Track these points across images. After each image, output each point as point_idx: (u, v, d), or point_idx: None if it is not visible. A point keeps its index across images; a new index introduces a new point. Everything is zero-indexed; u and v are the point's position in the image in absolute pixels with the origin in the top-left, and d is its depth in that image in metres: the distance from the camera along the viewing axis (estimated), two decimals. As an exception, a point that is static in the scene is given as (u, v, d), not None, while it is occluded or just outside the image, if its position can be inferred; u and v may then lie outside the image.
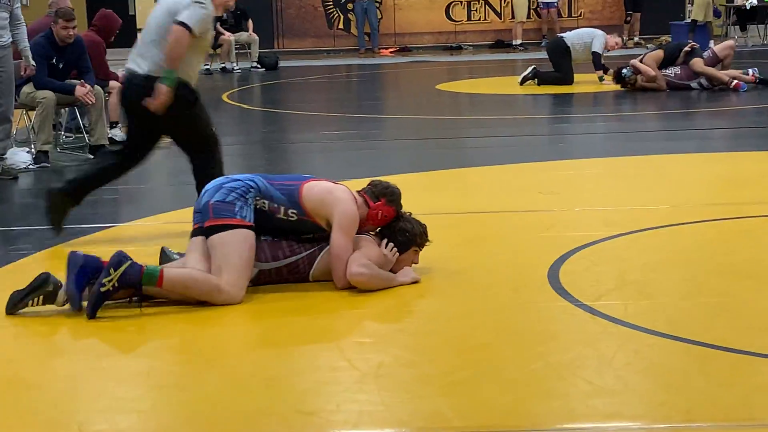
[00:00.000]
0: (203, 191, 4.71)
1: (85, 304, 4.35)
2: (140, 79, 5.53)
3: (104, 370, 3.84)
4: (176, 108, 5.50)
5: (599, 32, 13.43)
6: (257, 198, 4.64)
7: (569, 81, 13.19)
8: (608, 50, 13.25)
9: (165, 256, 4.94)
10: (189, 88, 5.58)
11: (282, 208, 4.67)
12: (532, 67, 13.52)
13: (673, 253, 5.22)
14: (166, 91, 5.40)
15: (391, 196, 4.82)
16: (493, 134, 9.68)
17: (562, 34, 14.04)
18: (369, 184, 4.91)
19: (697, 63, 12.10)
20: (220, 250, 4.47)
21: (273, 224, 4.69)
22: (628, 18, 20.01)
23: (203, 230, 4.57)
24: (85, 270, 4.36)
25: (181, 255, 4.87)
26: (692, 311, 4.28)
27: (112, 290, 4.30)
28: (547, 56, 13.95)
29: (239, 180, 4.68)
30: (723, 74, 12.10)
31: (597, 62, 13.04)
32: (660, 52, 12.51)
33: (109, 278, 4.28)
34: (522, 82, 13.33)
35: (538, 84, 13.25)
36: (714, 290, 4.58)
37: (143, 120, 5.60)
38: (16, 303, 4.43)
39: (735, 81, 11.98)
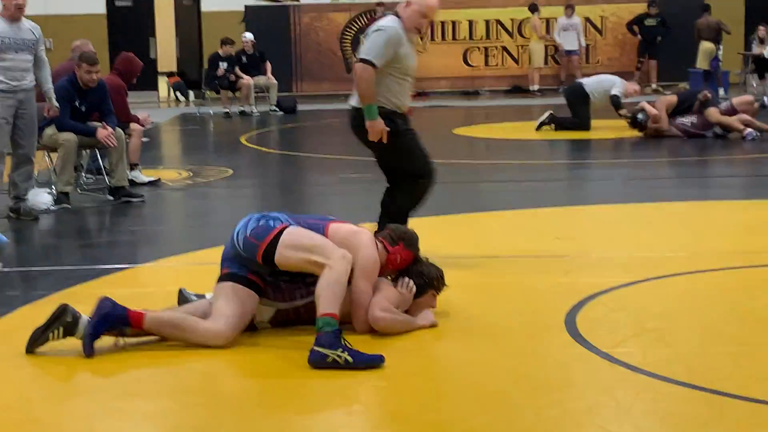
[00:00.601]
0: (234, 235, 4.66)
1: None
2: (351, 111, 5.92)
3: (120, 411, 3.83)
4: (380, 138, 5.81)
5: (619, 79, 13.49)
6: None
7: (586, 127, 13.21)
8: (627, 97, 13.28)
9: (183, 297, 4.94)
10: (390, 119, 5.76)
11: None
12: (549, 112, 13.55)
13: (691, 300, 5.19)
14: (370, 124, 5.72)
15: (409, 240, 4.85)
16: (510, 179, 9.68)
17: (581, 80, 14.07)
18: (386, 229, 4.93)
19: (713, 113, 12.11)
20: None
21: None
22: (640, 64, 20.08)
23: (235, 277, 4.57)
24: (109, 318, 4.36)
25: (199, 296, 4.87)
26: (711, 359, 4.25)
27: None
28: (563, 101, 13.99)
29: (268, 214, 4.71)
30: (737, 121, 12.08)
31: (617, 104, 13.06)
32: (673, 98, 12.55)
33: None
34: (539, 128, 13.36)
35: (555, 129, 13.28)
36: (733, 338, 4.54)
37: (368, 146, 5.93)
38: (37, 338, 4.44)
39: (746, 129, 11.97)
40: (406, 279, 4.77)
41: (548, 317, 4.86)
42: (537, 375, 4.11)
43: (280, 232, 4.55)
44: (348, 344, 4.24)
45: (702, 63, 18.43)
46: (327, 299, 4.33)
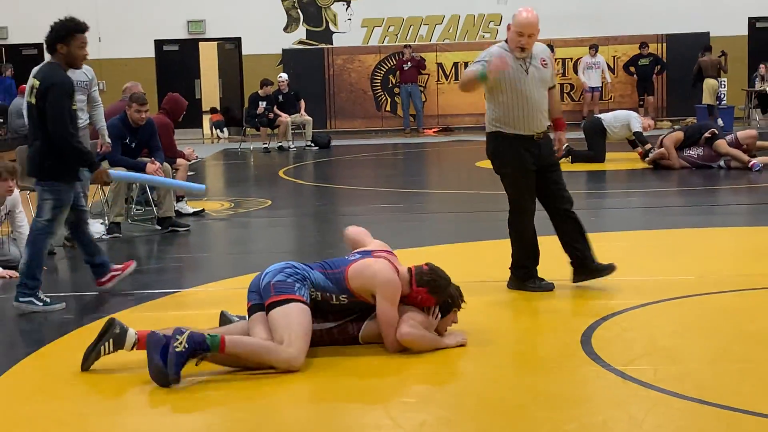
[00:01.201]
0: (264, 273, 4.66)
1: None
2: (487, 137, 6.04)
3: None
4: (494, 166, 5.93)
5: (635, 114, 13.46)
6: (311, 289, 4.62)
7: (601, 159, 13.18)
8: (644, 131, 13.23)
9: (225, 319, 4.96)
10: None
11: (333, 296, 4.66)
12: (567, 145, 13.52)
13: (700, 320, 5.15)
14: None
15: (435, 288, 4.69)
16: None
17: (599, 115, 14.03)
18: (425, 265, 4.78)
19: (722, 145, 12.05)
20: (284, 320, 4.44)
21: (327, 309, 4.69)
22: (641, 102, 20.06)
23: (263, 307, 4.55)
24: (167, 347, 4.32)
25: (241, 317, 4.88)
26: (720, 376, 4.21)
27: (184, 351, 4.25)
28: (581, 135, 13.95)
29: (297, 267, 4.66)
30: (743, 153, 12.03)
31: (641, 139, 13.02)
32: (680, 134, 12.48)
33: (179, 341, 4.27)
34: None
35: (572, 161, 13.24)
36: (740, 356, 4.50)
37: (498, 173, 5.99)
38: (89, 354, 4.48)
39: (752, 161, 11.90)
40: (435, 309, 4.73)
41: (565, 336, 4.84)
42: (555, 391, 4.09)
43: (290, 301, 4.47)
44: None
45: (707, 99, 18.39)
46: (236, 341, 4.35)
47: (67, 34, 5.76)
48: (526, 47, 5.66)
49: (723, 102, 17.95)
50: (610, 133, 13.22)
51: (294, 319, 4.44)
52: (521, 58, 5.70)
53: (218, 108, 22.01)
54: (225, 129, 21.07)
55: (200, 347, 4.29)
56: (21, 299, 5.77)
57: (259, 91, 17.70)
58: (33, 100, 5.73)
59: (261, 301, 4.56)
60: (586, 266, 5.89)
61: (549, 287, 5.85)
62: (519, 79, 5.71)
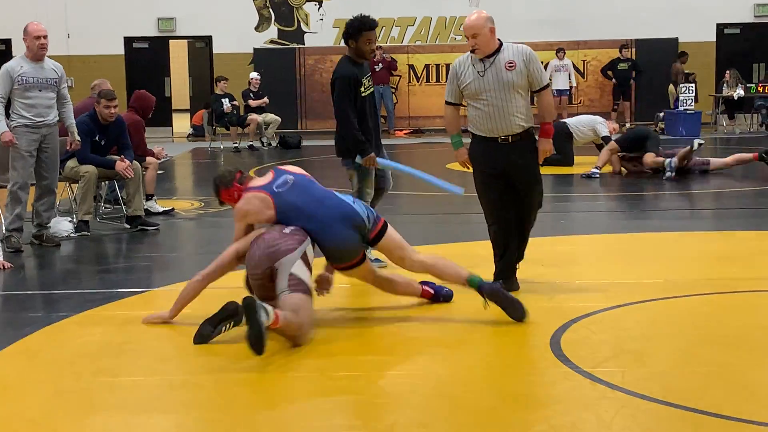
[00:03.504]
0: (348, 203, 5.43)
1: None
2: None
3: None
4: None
5: (600, 119, 13.58)
6: None
7: (570, 162, 13.28)
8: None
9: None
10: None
11: None
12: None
13: (667, 324, 5.21)
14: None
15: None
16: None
17: (564, 120, 14.15)
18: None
19: (648, 158, 12.14)
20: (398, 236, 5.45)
21: None
22: (616, 106, 20.23)
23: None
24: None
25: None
26: (686, 379, 4.26)
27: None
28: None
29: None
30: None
31: (608, 141, 13.11)
32: (614, 145, 12.61)
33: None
34: None
35: (541, 165, 13.28)
36: (707, 360, 4.56)
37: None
38: (209, 333, 4.83)
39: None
40: None
41: (534, 338, 4.88)
42: (525, 392, 4.13)
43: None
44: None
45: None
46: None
47: (356, 31, 6.44)
48: (475, 48, 5.74)
49: (688, 107, 18.10)
50: (576, 138, 13.34)
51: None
52: (482, 60, 5.75)
53: (188, 107, 21.87)
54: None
55: None
56: None
57: (218, 90, 17.65)
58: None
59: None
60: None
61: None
62: (476, 83, 5.75)
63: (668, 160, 11.91)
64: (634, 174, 12.25)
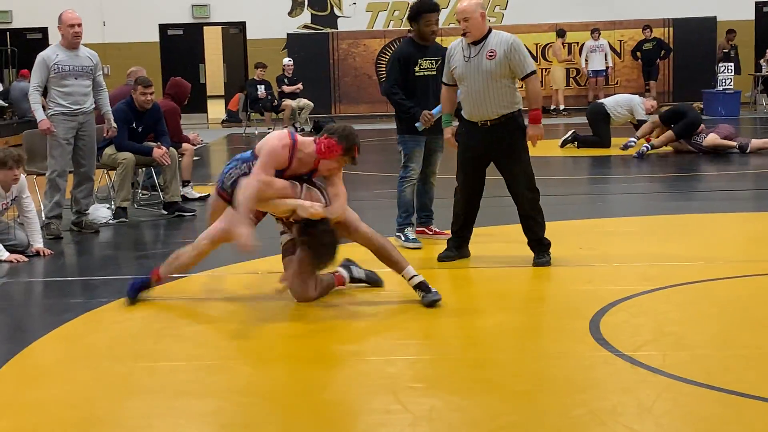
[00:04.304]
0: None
1: None
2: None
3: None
4: None
5: (637, 98, 13.42)
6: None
7: (607, 144, 13.16)
8: (647, 113, 13.21)
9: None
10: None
11: None
12: (572, 131, 13.51)
13: (707, 306, 5.15)
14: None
15: (341, 135, 5.15)
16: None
17: (601, 100, 14.01)
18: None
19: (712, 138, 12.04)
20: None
21: None
22: (647, 86, 20.01)
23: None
24: None
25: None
26: (727, 362, 4.21)
27: None
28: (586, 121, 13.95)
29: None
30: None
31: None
32: (656, 120, 12.52)
33: None
34: (563, 145, 13.32)
35: (578, 147, 13.22)
36: (748, 342, 4.50)
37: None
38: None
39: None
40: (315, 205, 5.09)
41: (573, 322, 4.84)
42: (563, 377, 4.10)
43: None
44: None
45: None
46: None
47: (415, 13, 6.62)
48: (466, 32, 5.97)
49: (727, 87, 17.84)
50: (614, 118, 13.21)
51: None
52: (471, 45, 5.99)
53: (223, 93, 21.92)
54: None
55: None
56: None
57: (255, 76, 17.71)
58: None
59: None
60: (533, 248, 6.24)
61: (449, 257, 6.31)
62: (462, 68, 6.06)
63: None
64: (679, 153, 12.11)
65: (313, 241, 5.01)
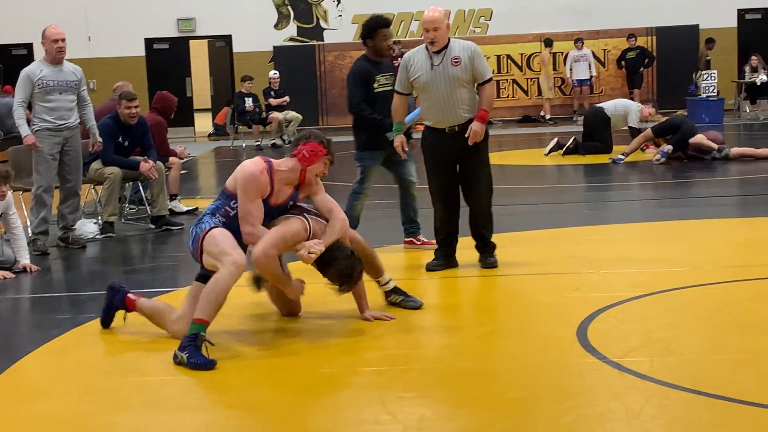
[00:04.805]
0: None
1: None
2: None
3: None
4: None
5: (635, 105, 13.38)
6: (217, 216, 5.00)
7: (609, 150, 13.13)
8: (643, 120, 13.21)
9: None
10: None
11: (227, 208, 4.99)
12: (573, 138, 13.50)
13: (695, 312, 5.18)
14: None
15: (316, 136, 5.13)
16: (522, 202, 9.68)
17: (600, 104, 13.95)
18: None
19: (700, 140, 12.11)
20: (213, 248, 4.91)
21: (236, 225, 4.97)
22: (631, 95, 20.09)
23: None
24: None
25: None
26: (715, 367, 4.23)
27: None
28: (575, 128, 13.94)
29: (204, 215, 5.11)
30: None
31: (634, 134, 12.98)
32: (649, 132, 12.54)
33: None
34: (565, 153, 13.28)
35: (581, 154, 13.21)
36: (735, 347, 4.52)
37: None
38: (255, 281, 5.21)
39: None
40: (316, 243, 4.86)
41: (561, 329, 4.86)
42: (552, 383, 4.11)
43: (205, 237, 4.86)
44: (197, 346, 4.48)
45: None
46: (200, 305, 4.64)
47: (371, 30, 6.70)
48: (434, 41, 6.13)
49: (710, 94, 17.92)
50: (613, 121, 13.22)
51: (218, 239, 4.78)
52: (434, 53, 6.15)
53: (210, 107, 21.90)
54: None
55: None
56: None
57: (242, 89, 17.72)
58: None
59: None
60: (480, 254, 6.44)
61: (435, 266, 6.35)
62: (426, 75, 6.17)
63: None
64: (675, 161, 12.14)
65: (332, 273, 4.92)
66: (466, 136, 6.12)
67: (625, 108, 13.23)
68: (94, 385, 4.35)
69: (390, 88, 6.76)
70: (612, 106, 13.41)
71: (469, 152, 6.21)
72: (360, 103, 6.74)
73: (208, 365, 4.41)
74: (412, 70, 6.22)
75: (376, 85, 6.79)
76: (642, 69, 20.08)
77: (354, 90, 6.77)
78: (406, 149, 6.55)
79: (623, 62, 20.21)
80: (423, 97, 6.25)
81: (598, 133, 13.29)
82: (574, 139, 13.39)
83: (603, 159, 12.75)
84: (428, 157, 6.36)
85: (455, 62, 6.13)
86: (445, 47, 6.17)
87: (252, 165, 4.91)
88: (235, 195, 4.90)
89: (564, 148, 13.30)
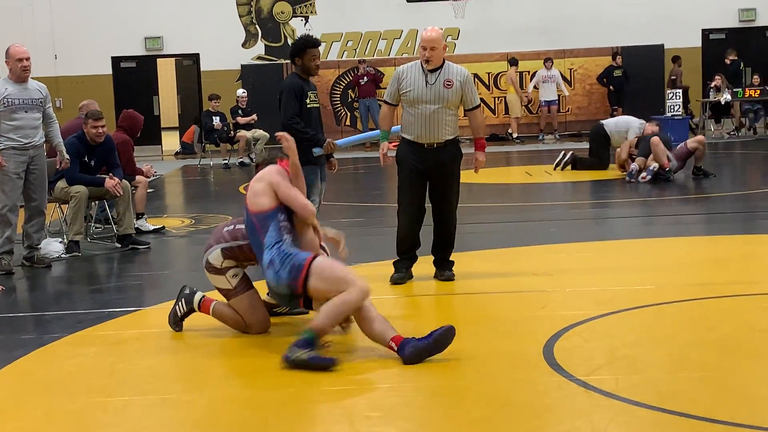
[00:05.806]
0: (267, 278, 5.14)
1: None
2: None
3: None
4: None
5: (636, 123, 13.37)
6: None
7: (605, 166, 13.24)
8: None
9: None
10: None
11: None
12: (571, 152, 13.66)
13: (659, 330, 5.22)
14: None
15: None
16: (489, 220, 9.72)
17: (602, 121, 14.09)
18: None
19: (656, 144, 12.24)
20: (328, 278, 4.94)
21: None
22: (615, 112, 20.26)
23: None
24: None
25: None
26: (680, 384, 4.27)
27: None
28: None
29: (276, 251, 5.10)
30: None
31: (643, 147, 13.04)
32: (633, 140, 12.74)
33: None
34: (562, 168, 13.45)
35: (577, 169, 13.33)
36: (700, 365, 4.56)
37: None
38: (173, 318, 5.48)
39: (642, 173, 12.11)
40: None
41: (527, 348, 4.87)
42: (518, 402, 4.12)
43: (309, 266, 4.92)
44: (314, 350, 4.64)
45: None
46: (322, 317, 4.77)
47: (300, 49, 6.69)
48: (430, 59, 6.35)
49: (676, 113, 18.12)
50: (612, 140, 13.34)
51: (334, 267, 4.91)
52: (429, 71, 6.37)
53: (177, 125, 21.83)
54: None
55: None
56: None
57: (210, 107, 17.70)
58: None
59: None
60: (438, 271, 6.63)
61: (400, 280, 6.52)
62: (419, 92, 6.40)
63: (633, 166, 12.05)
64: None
65: None
66: (473, 169, 6.68)
67: (625, 125, 13.34)
68: (58, 406, 4.30)
69: (318, 105, 6.85)
70: (613, 123, 13.57)
71: (443, 172, 6.46)
72: (293, 117, 6.71)
73: (330, 363, 4.60)
74: (404, 84, 6.43)
75: (308, 101, 6.81)
76: (626, 88, 20.24)
77: (288, 103, 6.73)
78: (387, 160, 6.61)
79: (605, 79, 20.36)
80: (410, 111, 6.44)
81: (595, 149, 13.49)
82: (572, 153, 13.59)
83: (596, 175, 12.85)
84: (403, 170, 6.53)
85: (447, 84, 6.37)
86: (440, 67, 6.37)
87: (268, 172, 5.22)
88: (270, 211, 5.10)
89: (563, 163, 13.45)
